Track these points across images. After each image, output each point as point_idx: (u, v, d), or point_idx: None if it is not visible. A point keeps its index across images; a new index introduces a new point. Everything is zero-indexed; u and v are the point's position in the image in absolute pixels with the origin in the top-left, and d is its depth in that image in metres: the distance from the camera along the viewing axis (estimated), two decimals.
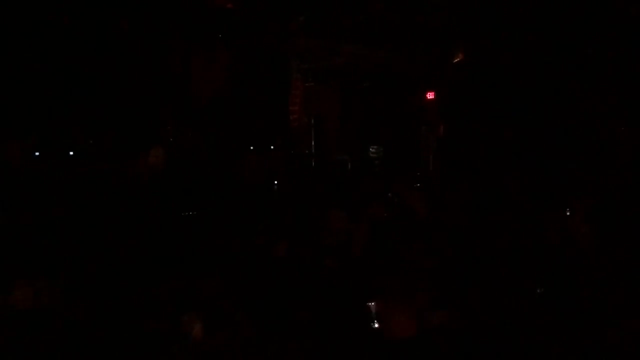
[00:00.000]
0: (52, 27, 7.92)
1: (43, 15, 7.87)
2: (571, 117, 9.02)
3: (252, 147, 10.09)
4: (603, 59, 8.62)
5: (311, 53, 10.65)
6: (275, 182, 8.64)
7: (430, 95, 10.91)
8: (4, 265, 3.99)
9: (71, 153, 7.85)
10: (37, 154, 7.48)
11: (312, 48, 10.54)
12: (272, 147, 10.38)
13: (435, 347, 2.69)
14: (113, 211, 6.00)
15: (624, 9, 7.97)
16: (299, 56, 10.73)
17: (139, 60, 9.01)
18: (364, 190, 7.02)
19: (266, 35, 10.20)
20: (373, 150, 11.11)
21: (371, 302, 2.98)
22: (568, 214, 4.56)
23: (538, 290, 3.68)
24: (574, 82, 9.07)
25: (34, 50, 7.80)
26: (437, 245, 4.18)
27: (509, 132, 9.73)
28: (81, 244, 4.97)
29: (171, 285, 3.89)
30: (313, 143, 10.85)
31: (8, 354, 3.19)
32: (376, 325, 2.90)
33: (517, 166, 8.76)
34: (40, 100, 7.77)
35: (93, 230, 5.36)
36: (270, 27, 10.10)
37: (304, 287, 3.71)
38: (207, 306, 3.54)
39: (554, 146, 8.87)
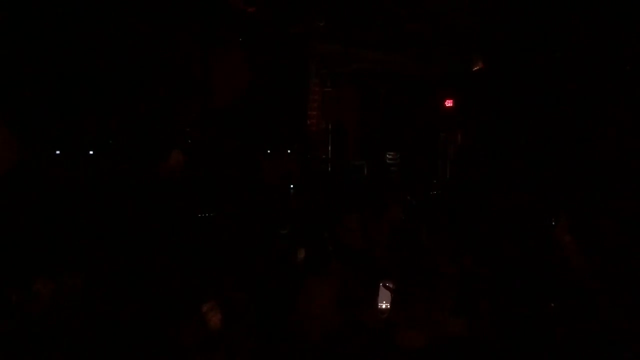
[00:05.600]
0: (76, 27, 8.00)
1: (67, 15, 7.97)
2: (590, 125, 8.97)
3: (269, 151, 10.11)
4: (622, 69, 8.57)
5: (330, 58, 10.67)
6: (292, 186, 8.65)
7: (449, 103, 10.90)
8: (23, 263, 4.03)
9: (91, 152, 7.91)
10: (57, 152, 7.54)
11: (331, 53, 10.56)
12: (289, 151, 10.40)
13: (448, 354, 2.68)
14: (131, 211, 6.04)
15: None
16: (318, 61, 10.76)
17: (159, 62, 9.08)
18: (380, 195, 7.03)
19: (286, 40, 10.25)
20: (390, 157, 11.09)
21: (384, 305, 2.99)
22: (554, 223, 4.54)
23: (550, 301, 3.66)
24: (593, 91, 9.03)
25: (56, 49, 7.89)
26: (454, 252, 4.18)
27: (527, 141, 9.68)
28: (100, 243, 5.01)
29: (188, 286, 3.90)
30: (330, 148, 10.86)
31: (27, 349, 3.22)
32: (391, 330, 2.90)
33: (533, 175, 8.71)
34: (62, 100, 7.85)
35: (111, 229, 5.40)
36: (290, 32, 10.14)
37: (321, 289, 3.71)
38: (223, 308, 3.55)
39: (570, 155, 8.81)
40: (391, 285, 2.91)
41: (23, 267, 3.91)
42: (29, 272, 3.76)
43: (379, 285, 2.92)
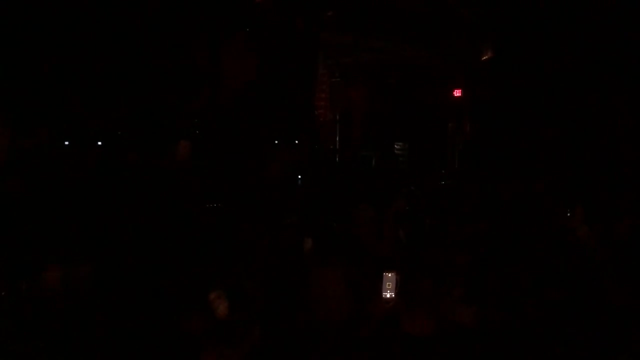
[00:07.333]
0: (84, 21, 8.03)
1: (74, 8, 7.99)
2: (598, 116, 8.91)
3: (276, 142, 10.12)
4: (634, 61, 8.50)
5: (338, 48, 10.65)
6: (299, 176, 8.66)
7: (457, 93, 10.85)
8: (31, 253, 4.06)
9: (99, 143, 7.95)
10: (66, 143, 7.58)
11: (339, 43, 10.54)
12: (296, 141, 10.41)
13: (454, 345, 2.69)
14: (139, 202, 6.07)
15: None
16: (326, 51, 10.74)
17: (168, 53, 9.09)
18: (388, 186, 7.03)
19: (294, 30, 10.23)
20: (398, 147, 11.07)
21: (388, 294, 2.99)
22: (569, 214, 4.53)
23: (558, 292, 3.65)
24: (603, 82, 8.97)
25: (65, 41, 7.92)
26: (460, 244, 4.18)
27: (536, 132, 9.64)
28: (108, 233, 5.04)
29: (195, 275, 3.92)
30: (338, 138, 10.86)
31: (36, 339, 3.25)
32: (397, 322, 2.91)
33: (542, 166, 8.68)
34: (70, 90, 7.88)
35: (120, 219, 5.43)
36: (298, 22, 10.12)
37: (328, 279, 3.71)
38: (230, 297, 3.56)
39: (584, 145, 8.77)
40: (396, 275, 2.93)
41: (32, 256, 3.94)
42: (37, 261, 3.79)
43: (384, 275, 2.94)
